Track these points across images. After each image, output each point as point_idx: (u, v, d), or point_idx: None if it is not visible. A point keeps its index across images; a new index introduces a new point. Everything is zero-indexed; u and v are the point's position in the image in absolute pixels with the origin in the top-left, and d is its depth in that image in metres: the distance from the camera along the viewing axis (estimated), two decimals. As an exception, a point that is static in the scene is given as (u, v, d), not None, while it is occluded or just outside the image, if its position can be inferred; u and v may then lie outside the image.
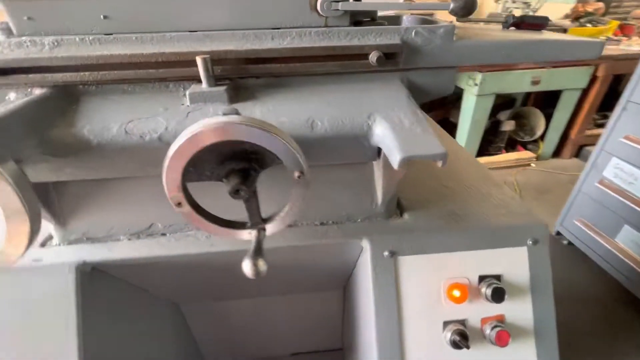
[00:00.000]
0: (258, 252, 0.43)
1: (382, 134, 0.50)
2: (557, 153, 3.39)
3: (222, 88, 0.54)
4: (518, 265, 0.65)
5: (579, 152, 3.39)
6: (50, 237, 0.65)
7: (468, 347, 0.61)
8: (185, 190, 0.43)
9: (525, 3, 2.98)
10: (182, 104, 0.55)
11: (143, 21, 0.57)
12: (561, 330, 1.76)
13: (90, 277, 0.62)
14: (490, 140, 3.25)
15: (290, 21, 0.59)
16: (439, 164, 0.45)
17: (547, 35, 0.67)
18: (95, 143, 0.49)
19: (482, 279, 0.64)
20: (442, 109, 3.53)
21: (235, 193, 0.42)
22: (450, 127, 3.31)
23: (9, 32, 0.57)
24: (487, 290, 0.63)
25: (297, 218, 0.48)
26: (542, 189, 2.90)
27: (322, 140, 0.52)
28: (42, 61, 0.53)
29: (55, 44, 0.54)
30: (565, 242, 2.28)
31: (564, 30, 3.10)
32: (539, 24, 0.72)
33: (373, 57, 0.56)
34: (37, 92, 0.55)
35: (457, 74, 0.65)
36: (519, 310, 0.65)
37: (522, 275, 0.65)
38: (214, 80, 0.55)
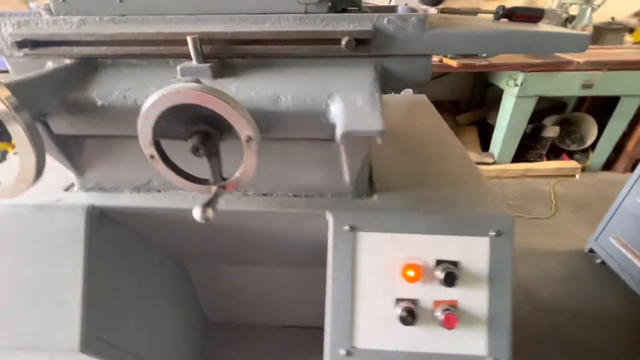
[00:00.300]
0: (210, 203, 0.51)
1: (335, 111, 0.55)
2: (608, 166, 3.09)
3: (207, 65, 0.62)
4: (478, 255, 0.66)
5: (635, 167, 3.05)
6: (72, 185, 0.78)
7: (413, 324, 0.64)
8: (157, 146, 0.52)
9: (586, -1, 2.72)
10: (175, 77, 0.64)
11: (151, 5, 0.67)
12: (585, 350, 1.67)
13: (99, 220, 0.75)
14: (530, 146, 3.05)
15: (274, 7, 0.65)
16: (378, 140, 0.49)
17: (535, 27, 0.66)
18: (100, 104, 0.60)
19: (439, 263, 0.67)
20: (480, 110, 3.37)
21: (195, 151, 0.50)
22: (488, 130, 3.15)
23: (49, 12, 0.70)
24: (440, 274, 0.65)
25: (250, 180, 0.54)
26: (582, 203, 2.67)
27: (285, 115, 0.58)
28: (70, 36, 0.64)
29: (81, 22, 0.66)
30: (598, 260, 2.11)
31: (630, 30, 2.79)
32: (533, 16, 0.70)
33: (344, 42, 0.60)
34: (67, 62, 0.68)
35: (431, 62, 0.66)
36: (473, 299, 0.66)
37: (480, 265, 0.66)
38: (203, 58, 0.63)
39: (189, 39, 0.60)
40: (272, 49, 0.63)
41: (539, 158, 3.08)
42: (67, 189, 0.77)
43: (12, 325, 0.69)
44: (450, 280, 0.64)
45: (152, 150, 0.51)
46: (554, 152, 3.19)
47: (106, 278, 0.79)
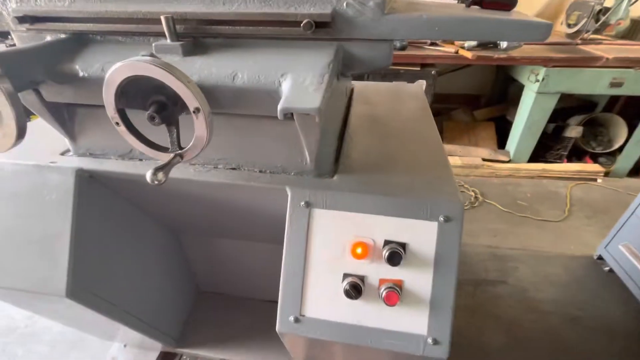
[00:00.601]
0: (164, 168, 0.56)
1: (284, 89, 0.58)
2: (635, 172, 2.89)
3: (178, 43, 0.67)
4: (426, 238, 0.68)
5: (666, 175, 2.85)
6: (68, 150, 0.87)
7: (356, 298, 0.68)
8: (121, 113, 0.57)
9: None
10: (151, 54, 0.69)
11: (134, -15, 0.72)
12: (576, 357, 1.63)
13: (89, 182, 0.83)
14: (550, 146, 2.91)
15: (243, -11, 0.68)
16: (316, 118, 0.52)
17: (503, 15, 0.65)
18: (81, 75, 0.66)
19: (387, 243, 0.69)
20: (500, 106, 3.24)
21: (151, 119, 0.55)
22: (507, 127, 3.03)
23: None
24: (386, 253, 0.68)
25: (202, 149, 0.59)
26: (599, 208, 2.54)
27: (241, 91, 0.62)
28: (62, 13, 0.71)
29: (73, 0, 0.72)
30: (606, 268, 2.02)
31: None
32: (505, 3, 0.69)
33: (302, 24, 0.63)
34: (62, 36, 0.75)
35: (392, 48, 0.67)
36: (418, 280, 0.68)
37: (427, 248, 0.68)
38: (177, 36, 0.68)
39: (162, 18, 0.65)
40: (238, 30, 0.67)
41: (558, 159, 2.93)
42: (63, 153, 0.86)
43: (7, 268, 0.79)
44: (394, 260, 0.66)
45: (117, 118, 0.57)
46: (577, 154, 3.03)
47: (95, 235, 0.88)
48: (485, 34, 0.61)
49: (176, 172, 0.78)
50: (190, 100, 0.52)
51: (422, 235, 0.68)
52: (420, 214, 0.68)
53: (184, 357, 1.49)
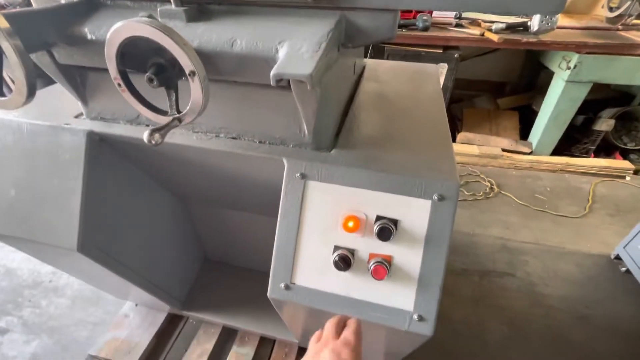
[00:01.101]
0: (161, 130, 0.58)
1: (280, 56, 0.58)
2: (669, 171, 2.71)
3: (182, 9, 0.67)
4: (418, 216, 0.68)
5: None
6: (81, 113, 0.91)
7: (344, 270, 0.69)
8: (123, 75, 0.59)
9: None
10: (150, 15, 0.70)
11: (142, -51, 0.73)
12: (579, 354, 1.60)
13: (99, 145, 0.87)
14: (577, 139, 2.76)
15: (248, -46, 0.68)
16: (308, 85, 0.52)
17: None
18: (89, 38, 0.68)
19: (379, 218, 0.69)
20: (526, 95, 3.08)
21: (150, 81, 0.57)
22: (532, 117, 2.89)
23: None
24: (377, 228, 0.68)
25: (198, 115, 0.60)
26: (624, 207, 2.42)
27: (239, 58, 0.62)
28: (75, -24, 0.73)
29: (85, -36, 0.74)
30: (623, 269, 1.94)
31: None
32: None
33: (304, -10, 0.61)
34: (75, 0, 0.77)
35: (398, 18, 0.65)
36: (408, 256, 0.69)
37: (419, 226, 0.68)
38: (181, 1, 0.69)
39: (167, -18, 0.65)
40: (241, -4, 0.67)
41: (585, 153, 2.79)
42: (77, 116, 0.90)
43: (26, 221, 0.86)
44: (384, 235, 0.67)
45: (119, 79, 0.59)
46: (606, 149, 2.86)
47: (105, 196, 0.93)
48: (493, 5, 0.58)
49: (179, 139, 0.81)
50: (186, 62, 0.53)
51: (414, 212, 0.68)
52: (414, 191, 0.67)
53: (190, 319, 1.57)
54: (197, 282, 1.54)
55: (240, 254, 1.54)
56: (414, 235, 0.68)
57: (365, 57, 2.40)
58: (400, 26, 2.41)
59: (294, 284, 0.74)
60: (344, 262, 0.69)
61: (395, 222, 0.69)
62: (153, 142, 0.56)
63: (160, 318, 1.54)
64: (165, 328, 1.52)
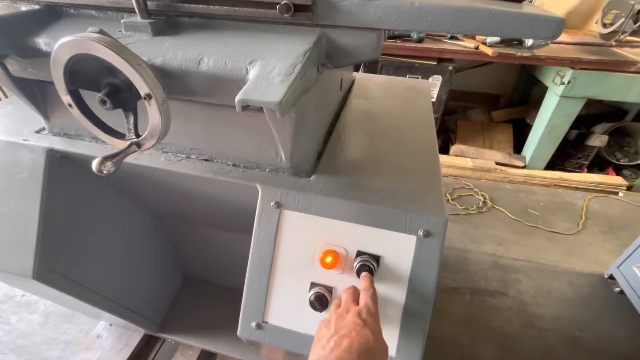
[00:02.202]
0: (114, 157, 0.52)
1: (250, 78, 0.52)
2: (662, 188, 2.70)
3: (147, 21, 0.61)
4: (402, 253, 0.62)
5: (697, 194, 2.64)
6: (44, 128, 0.84)
7: (321, 311, 0.63)
8: (73, 94, 0.53)
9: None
10: (120, 31, 0.64)
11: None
12: None
13: (60, 163, 0.80)
14: (570, 154, 2.74)
15: (221, -35, 0.62)
16: (277, 114, 0.46)
17: (512, 7, 0.57)
18: (43, 50, 0.62)
19: (359, 254, 0.63)
20: (520, 108, 3.06)
21: (102, 103, 0.51)
22: (526, 131, 2.86)
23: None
24: (357, 265, 0.62)
25: (159, 140, 0.54)
26: (617, 224, 2.39)
27: (205, 77, 0.56)
28: (33, -18, 0.67)
29: (44, -31, 0.67)
30: (617, 289, 1.90)
31: None
32: (516, -7, 0.60)
33: (278, 6, 0.56)
34: (35, 7, 0.71)
35: (382, 37, 0.60)
36: (390, 297, 0.63)
37: (403, 264, 0.62)
38: (147, 13, 0.63)
39: (131, -8, 0.59)
40: (212, 10, 0.61)
41: (578, 168, 2.76)
42: (38, 131, 0.83)
43: (-24, 245, 0.78)
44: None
45: (69, 99, 0.53)
46: (599, 165, 2.85)
47: (67, 217, 0.86)
48: (484, 27, 0.53)
49: (146, 160, 0.74)
50: (141, 85, 0.47)
51: (398, 249, 0.62)
52: (398, 226, 0.62)
53: (168, 339, 1.49)
54: (176, 302, 1.46)
55: (221, 272, 1.47)
56: (398, 273, 0.62)
57: (357, 70, 2.36)
58: (395, 37, 2.38)
59: (266, 322, 0.68)
60: (320, 302, 0.63)
61: (377, 258, 0.63)
62: (105, 171, 0.50)
63: (136, 339, 1.45)
64: (140, 350, 1.44)
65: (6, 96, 2.84)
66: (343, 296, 0.59)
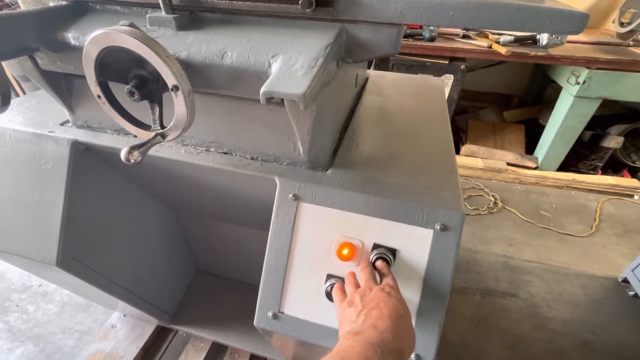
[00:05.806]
0: (141, 147, 0.53)
1: (273, 71, 0.53)
2: (679, 191, 2.63)
3: (172, 16, 0.63)
4: (419, 247, 0.62)
5: None
6: (68, 120, 0.87)
7: (336, 302, 0.63)
8: (102, 86, 0.55)
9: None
10: (145, 26, 0.66)
11: (134, -48, 0.69)
12: None
13: (84, 154, 0.83)
14: (584, 156, 2.69)
15: (244, -39, 0.63)
16: (300, 105, 0.47)
17: (536, 2, 0.57)
18: (72, 44, 0.64)
19: (376, 247, 0.64)
20: (533, 108, 3.02)
21: (130, 94, 0.52)
22: (539, 131, 2.82)
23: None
24: (374, 258, 0.63)
25: (183, 131, 0.56)
26: (632, 227, 2.34)
27: (229, 71, 0.58)
28: (62, -22, 0.69)
29: (73, -34, 0.70)
30: (631, 293, 1.86)
31: None
32: (538, -11, 0.60)
33: (301, 1, 0.57)
34: (63, 3, 0.73)
35: (402, 33, 0.60)
36: (406, 291, 0.63)
37: (419, 258, 0.62)
38: (172, 9, 0.65)
39: (157, -12, 0.61)
40: (235, 5, 0.62)
41: (592, 170, 2.72)
42: (62, 124, 0.86)
43: (5, 233, 0.81)
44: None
45: (98, 90, 0.55)
46: (614, 167, 2.79)
47: (89, 208, 0.88)
48: (506, 22, 0.53)
49: (166, 152, 0.76)
50: (169, 76, 0.48)
51: (415, 242, 0.63)
52: (415, 220, 0.62)
53: (180, 331, 1.52)
54: (188, 295, 1.49)
55: (232, 266, 1.49)
56: (414, 267, 0.63)
57: (369, 68, 2.36)
58: (406, 36, 2.37)
59: (282, 312, 0.69)
60: (337, 293, 0.63)
61: (393, 251, 0.63)
62: (132, 160, 0.52)
63: (149, 330, 1.48)
64: (153, 341, 1.47)
65: (24, 92, 2.92)
66: (361, 276, 0.60)
